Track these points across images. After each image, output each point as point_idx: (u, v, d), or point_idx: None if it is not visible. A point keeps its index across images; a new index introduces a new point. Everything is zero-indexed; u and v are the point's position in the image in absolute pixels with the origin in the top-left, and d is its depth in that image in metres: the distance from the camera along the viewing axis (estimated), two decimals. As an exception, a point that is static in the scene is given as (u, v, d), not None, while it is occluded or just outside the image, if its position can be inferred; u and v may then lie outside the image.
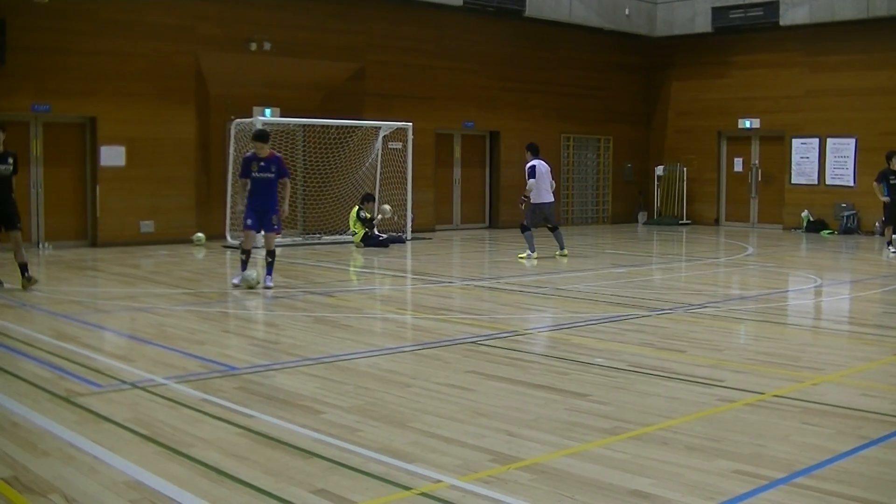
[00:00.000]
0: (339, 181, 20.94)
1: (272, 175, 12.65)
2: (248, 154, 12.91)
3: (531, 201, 17.00)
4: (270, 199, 12.71)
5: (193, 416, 6.25)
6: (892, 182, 18.52)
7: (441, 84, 23.76)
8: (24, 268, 12.36)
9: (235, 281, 12.82)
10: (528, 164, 17.03)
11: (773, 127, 26.12)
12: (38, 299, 11.83)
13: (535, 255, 17.00)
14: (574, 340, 9.18)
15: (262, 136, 12.80)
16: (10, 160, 12.47)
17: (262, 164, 12.60)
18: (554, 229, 17.55)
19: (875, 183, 18.84)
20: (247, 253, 12.81)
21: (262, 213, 12.64)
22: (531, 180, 16.82)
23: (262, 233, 12.94)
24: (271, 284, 12.64)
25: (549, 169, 17.40)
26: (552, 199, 17.34)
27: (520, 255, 17.23)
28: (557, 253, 17.40)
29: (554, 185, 17.54)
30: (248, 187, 12.70)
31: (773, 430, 5.98)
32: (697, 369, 7.83)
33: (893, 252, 18.42)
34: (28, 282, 12.34)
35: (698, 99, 27.75)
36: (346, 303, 11.93)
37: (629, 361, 8.14)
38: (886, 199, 18.56)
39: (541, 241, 17.67)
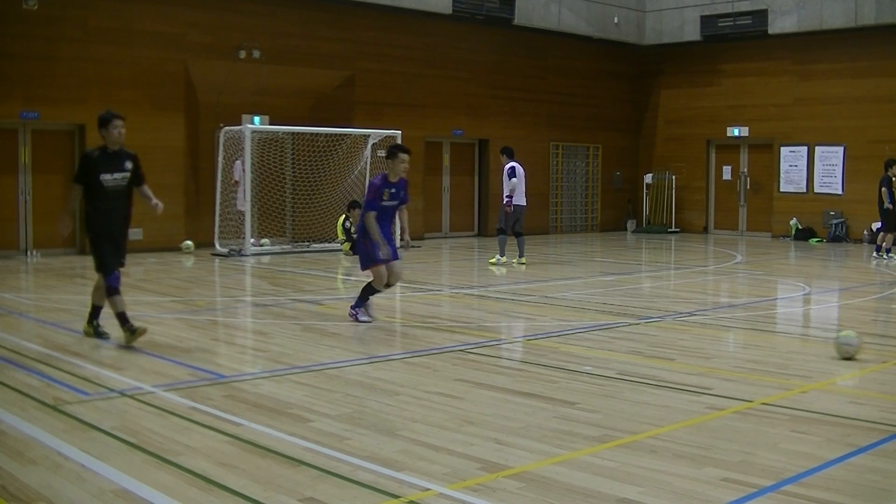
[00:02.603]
0: (329, 189, 20.93)
1: (397, 203, 10.65)
2: (377, 180, 10.56)
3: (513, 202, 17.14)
4: (390, 230, 10.79)
5: (181, 424, 6.23)
6: (893, 190, 18.60)
7: (430, 92, 23.78)
8: (98, 313, 9.57)
9: (364, 318, 10.69)
10: (508, 166, 17.09)
11: (762, 135, 26.21)
12: (26, 307, 11.80)
13: (503, 258, 17.22)
14: (563, 349, 9.18)
15: (405, 149, 10.72)
16: (129, 165, 9.33)
17: (393, 190, 10.51)
18: (518, 235, 17.45)
19: (883, 188, 18.80)
20: (375, 293, 10.81)
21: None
22: (513, 180, 16.91)
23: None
24: (366, 320, 10.74)
25: (525, 173, 17.49)
26: (525, 204, 17.43)
27: (491, 261, 17.35)
28: (515, 260, 17.33)
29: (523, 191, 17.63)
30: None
31: (761, 438, 5.99)
32: (686, 377, 7.84)
33: (887, 258, 18.52)
34: (95, 332, 9.51)
35: (687, 107, 27.83)
36: (335, 311, 11.90)
37: (618, 369, 8.15)
38: (891, 205, 18.61)
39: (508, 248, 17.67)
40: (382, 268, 10.53)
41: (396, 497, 4.84)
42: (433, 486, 5.00)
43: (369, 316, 10.71)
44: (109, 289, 9.10)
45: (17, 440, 5.84)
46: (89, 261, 17.25)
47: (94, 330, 9.44)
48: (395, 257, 10.63)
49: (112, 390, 7.18)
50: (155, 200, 9.55)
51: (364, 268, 10.71)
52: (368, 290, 10.70)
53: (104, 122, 9.20)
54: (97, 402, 6.83)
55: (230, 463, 5.38)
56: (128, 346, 8.94)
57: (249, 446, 5.72)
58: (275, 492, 4.90)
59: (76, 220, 8.78)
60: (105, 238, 9.17)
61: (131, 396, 6.98)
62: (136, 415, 6.48)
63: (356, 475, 5.17)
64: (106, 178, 9.09)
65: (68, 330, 9.95)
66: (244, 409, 6.66)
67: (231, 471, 5.23)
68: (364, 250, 10.59)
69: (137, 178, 9.41)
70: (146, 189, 9.57)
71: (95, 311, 9.47)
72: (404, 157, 10.54)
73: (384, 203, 10.46)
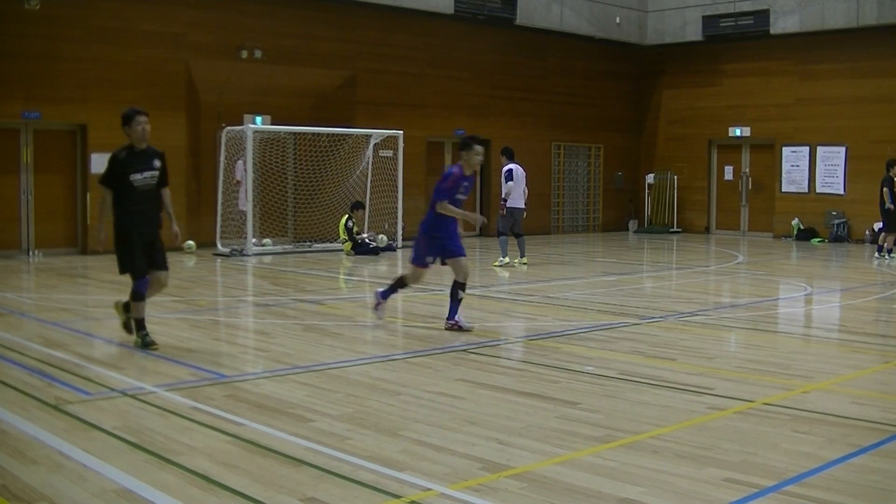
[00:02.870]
0: (330, 189, 20.94)
1: (466, 197, 10.20)
2: (456, 170, 9.99)
3: (506, 205, 17.01)
4: (456, 226, 10.32)
5: (183, 424, 6.23)
6: (894, 190, 18.57)
7: (432, 92, 23.78)
8: (140, 323, 9.03)
9: (380, 315, 10.53)
10: (506, 168, 16.99)
11: (764, 135, 26.20)
12: (27, 307, 11.81)
13: (506, 259, 17.07)
14: (564, 348, 9.18)
15: (479, 140, 10.23)
16: (158, 163, 8.98)
17: (466, 183, 10.03)
18: (519, 236, 17.37)
19: (885, 189, 18.75)
20: (405, 286, 10.55)
21: (448, 239, 10.12)
22: (509, 183, 16.80)
23: (452, 259, 10.15)
24: (468, 325, 10.19)
25: (525, 175, 17.31)
26: (524, 206, 17.26)
27: (495, 263, 17.26)
28: (517, 260, 17.32)
29: (527, 193, 17.42)
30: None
31: (763, 438, 5.99)
32: (688, 377, 7.83)
33: (888, 259, 18.50)
34: (144, 342, 8.86)
35: (689, 107, 27.82)
36: (337, 311, 11.91)
37: (619, 369, 8.14)
38: (892, 206, 18.57)
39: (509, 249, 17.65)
40: (424, 272, 10.29)
41: (398, 497, 4.84)
42: (435, 487, 5.00)
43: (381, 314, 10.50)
44: (136, 294, 8.89)
45: (18, 440, 5.84)
46: (90, 261, 17.39)
47: (143, 339, 8.90)
48: (462, 253, 10.13)
49: (113, 390, 7.18)
50: (176, 228, 9.17)
51: (412, 262, 10.27)
52: (400, 283, 10.41)
53: (127, 120, 8.89)
54: (98, 402, 6.83)
55: (231, 463, 5.38)
56: (130, 347, 8.94)
57: (251, 446, 5.72)
58: (276, 492, 4.90)
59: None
60: (136, 241, 8.76)
61: (133, 396, 6.98)
62: (137, 415, 6.48)
63: (357, 475, 5.17)
64: (136, 177, 8.77)
65: (70, 330, 9.95)
66: (245, 408, 6.66)
67: (232, 470, 5.23)
68: (418, 246, 10.19)
69: (163, 179, 9.01)
70: (167, 196, 9.12)
71: (139, 323, 9.00)
72: (479, 148, 10.08)
73: (458, 196, 9.99)
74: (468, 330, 10.06)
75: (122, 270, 8.95)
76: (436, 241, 10.05)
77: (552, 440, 5.91)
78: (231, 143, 19.36)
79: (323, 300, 12.69)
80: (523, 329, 10.86)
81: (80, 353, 8.74)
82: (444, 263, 10.28)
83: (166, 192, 9.11)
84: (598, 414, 6.60)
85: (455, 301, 10.12)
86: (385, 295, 10.46)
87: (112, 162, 8.86)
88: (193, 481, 5.06)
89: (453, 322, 10.13)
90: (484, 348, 9.20)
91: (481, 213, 25.61)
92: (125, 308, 9.19)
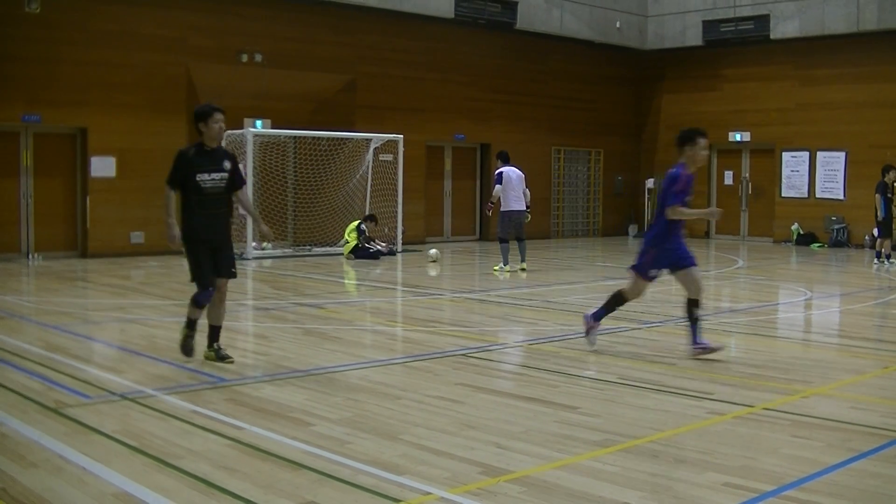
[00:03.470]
0: (330, 193, 20.94)
1: (690, 198, 9.09)
2: (680, 170, 8.94)
3: (500, 209, 16.93)
4: (681, 234, 9.16)
5: (183, 427, 6.23)
6: (888, 196, 18.56)
7: (432, 96, 23.79)
8: (216, 334, 8.52)
9: (592, 340, 9.31)
10: (497, 171, 16.97)
11: (764, 140, 26.21)
12: (27, 310, 11.80)
13: (507, 268, 16.90)
14: (564, 353, 9.17)
15: (704, 132, 9.18)
16: (228, 165, 8.29)
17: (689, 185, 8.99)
18: (519, 240, 17.20)
19: (877, 195, 18.75)
20: (622, 303, 9.32)
21: (679, 249, 9.02)
22: (497, 186, 16.74)
23: (684, 271, 8.99)
24: (717, 345, 9.03)
25: (522, 177, 16.94)
26: (522, 208, 16.87)
27: (494, 268, 17.20)
28: (518, 266, 17.08)
29: (528, 195, 17.08)
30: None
31: (762, 443, 5.99)
32: (687, 382, 7.83)
33: (888, 264, 18.48)
34: (217, 356, 8.40)
35: (689, 112, 27.78)
36: (337, 315, 11.90)
37: (619, 374, 8.14)
38: (883, 214, 18.54)
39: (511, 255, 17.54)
40: (647, 285, 9.13)
41: (397, 501, 4.84)
42: (434, 491, 5.00)
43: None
44: (195, 301, 8.33)
45: (18, 443, 5.84)
46: (90, 264, 17.39)
47: (216, 353, 8.44)
48: (694, 263, 8.99)
49: (113, 393, 7.18)
50: (264, 227, 8.78)
51: (643, 274, 8.99)
52: (617, 300, 9.22)
53: (203, 116, 8.22)
54: (98, 406, 6.83)
55: (231, 466, 5.38)
56: (130, 350, 8.94)
57: (250, 450, 5.72)
58: (275, 495, 4.90)
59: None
60: (203, 248, 8.19)
61: (133, 400, 6.98)
62: (137, 418, 6.48)
63: (357, 479, 5.17)
64: (203, 178, 8.10)
65: (69, 333, 9.95)
66: (245, 412, 6.65)
67: (232, 474, 5.23)
68: (644, 256, 8.97)
69: (234, 182, 8.34)
70: (246, 196, 8.65)
71: (213, 332, 8.50)
72: (703, 142, 8.90)
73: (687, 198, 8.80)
74: (718, 349, 8.93)
75: (191, 278, 8.39)
76: (667, 253, 8.89)
77: (552, 444, 5.91)
78: (231, 147, 19.34)
79: (323, 304, 12.68)
80: (523, 333, 10.86)
81: (79, 356, 8.74)
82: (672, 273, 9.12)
83: (244, 193, 8.60)
84: (597, 418, 6.60)
85: (693, 323, 8.92)
86: (598, 316, 9.29)
87: (179, 159, 8.20)
88: (193, 485, 5.06)
89: (699, 346, 8.88)
90: (484, 352, 9.20)
91: (482, 217, 25.63)
92: (210, 343, 8.52)
